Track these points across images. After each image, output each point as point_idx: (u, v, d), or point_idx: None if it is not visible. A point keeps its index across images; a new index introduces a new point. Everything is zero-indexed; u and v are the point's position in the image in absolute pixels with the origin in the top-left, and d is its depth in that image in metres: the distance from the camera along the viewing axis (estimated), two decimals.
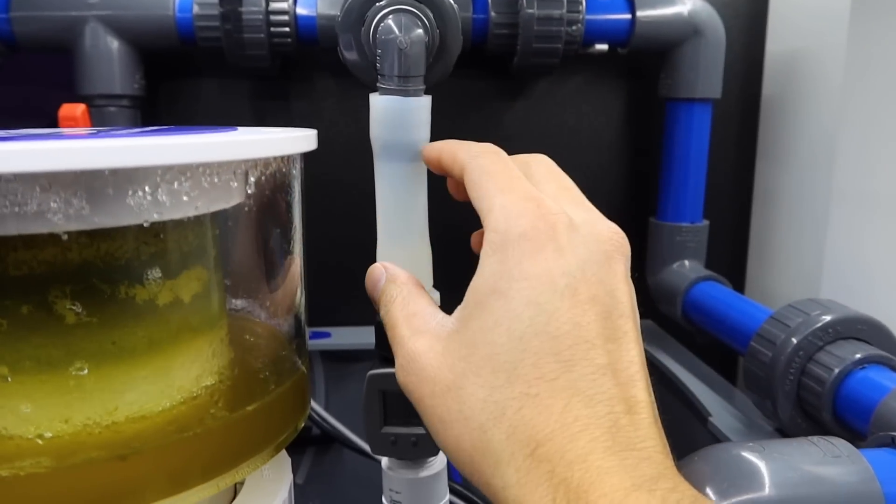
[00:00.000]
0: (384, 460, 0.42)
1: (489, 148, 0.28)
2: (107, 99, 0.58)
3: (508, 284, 0.22)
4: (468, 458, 0.23)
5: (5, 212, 0.20)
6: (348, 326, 0.69)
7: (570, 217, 0.24)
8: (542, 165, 0.28)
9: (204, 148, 0.21)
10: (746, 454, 0.31)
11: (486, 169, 0.26)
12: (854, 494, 0.30)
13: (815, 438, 0.32)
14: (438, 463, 0.42)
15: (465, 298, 0.24)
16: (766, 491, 0.29)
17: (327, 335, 0.67)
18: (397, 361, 0.26)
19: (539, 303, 0.22)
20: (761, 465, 0.30)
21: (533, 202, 0.24)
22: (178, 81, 0.65)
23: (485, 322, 0.22)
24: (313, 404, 0.59)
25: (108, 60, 0.57)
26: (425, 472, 0.41)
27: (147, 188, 0.22)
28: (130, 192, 0.21)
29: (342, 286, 0.67)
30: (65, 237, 0.21)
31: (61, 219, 0.20)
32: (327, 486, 0.70)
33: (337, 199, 0.67)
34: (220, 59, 0.58)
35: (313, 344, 0.67)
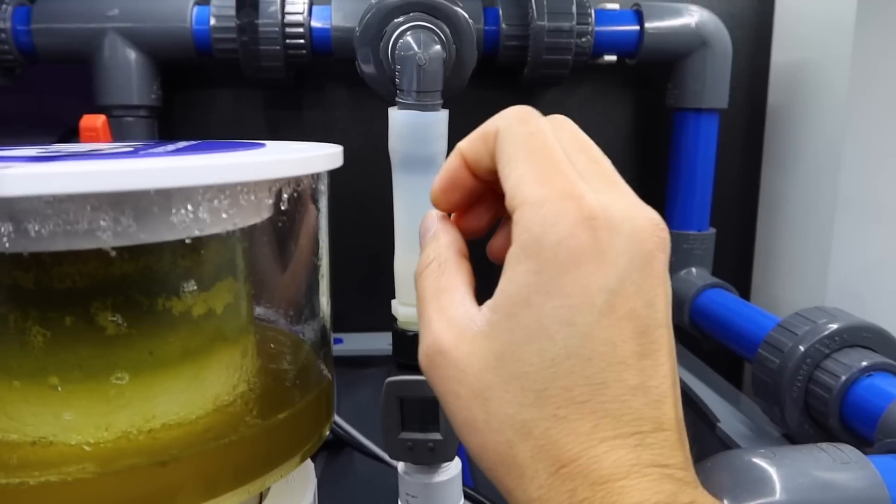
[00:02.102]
0: (400, 465, 0.43)
1: (523, 114, 0.25)
2: (125, 109, 0.59)
3: (543, 300, 0.21)
4: (492, 465, 0.23)
5: (57, 230, 0.21)
6: (360, 332, 0.70)
7: (609, 214, 0.22)
8: (565, 132, 0.25)
9: (245, 168, 0.22)
10: (758, 460, 0.32)
11: (521, 143, 0.23)
12: (863, 500, 0.31)
13: (824, 445, 0.33)
14: (453, 468, 0.43)
15: (495, 301, 0.23)
16: (778, 496, 0.30)
17: (339, 341, 0.68)
18: (422, 342, 0.24)
19: (575, 323, 0.21)
20: (772, 471, 0.31)
21: (573, 201, 0.21)
22: (194, 92, 0.66)
23: (515, 336, 0.22)
24: None
25: (127, 71, 0.58)
26: (440, 477, 0.42)
27: (189, 206, 0.23)
28: (174, 210, 0.22)
29: (354, 293, 0.68)
30: (113, 253, 0.22)
31: (109, 236, 0.21)
32: (339, 490, 0.71)
33: (349, 207, 0.68)
34: (235, 69, 0.59)
35: None
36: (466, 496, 0.53)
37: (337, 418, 0.61)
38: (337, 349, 0.69)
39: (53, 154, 0.25)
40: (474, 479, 0.66)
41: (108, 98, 0.58)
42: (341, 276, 0.70)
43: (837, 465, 0.31)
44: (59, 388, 0.24)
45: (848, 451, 0.32)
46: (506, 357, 0.22)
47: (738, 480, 0.31)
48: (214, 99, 0.66)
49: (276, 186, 0.26)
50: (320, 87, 0.66)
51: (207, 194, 0.23)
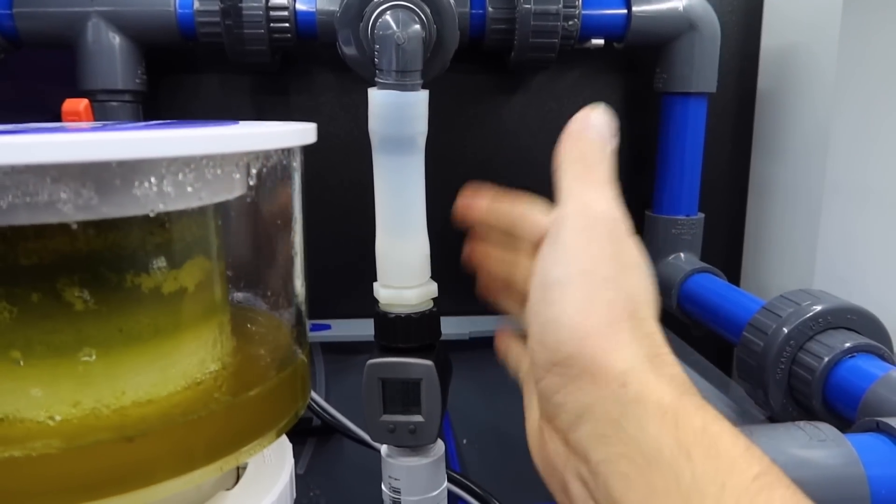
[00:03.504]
0: (383, 448, 0.43)
1: None
2: (109, 94, 0.58)
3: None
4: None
5: (17, 202, 0.21)
6: (348, 319, 0.70)
7: None
8: None
9: (208, 140, 0.22)
10: None
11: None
12: (838, 477, 0.31)
13: (801, 423, 0.33)
14: (436, 451, 0.43)
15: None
16: None
17: (328, 327, 0.68)
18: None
19: None
20: None
21: None
22: (180, 76, 0.65)
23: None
24: (314, 395, 0.60)
25: (110, 56, 0.58)
26: (423, 460, 0.42)
27: (153, 179, 0.22)
28: (137, 183, 0.22)
29: (343, 279, 0.68)
30: (74, 227, 0.22)
31: (70, 209, 0.21)
32: (328, 476, 0.71)
33: (337, 192, 0.68)
34: (220, 54, 0.59)
35: (314, 336, 0.68)
36: (453, 481, 0.53)
37: (325, 404, 0.61)
38: (325, 335, 0.68)
39: (19, 129, 0.25)
40: (462, 463, 0.66)
41: (92, 83, 0.58)
42: (329, 262, 0.70)
43: (814, 442, 0.31)
44: (27, 365, 0.24)
45: (825, 429, 0.32)
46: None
47: None
48: (200, 84, 0.66)
49: (244, 161, 0.26)
50: (307, 71, 0.66)
51: (171, 167, 0.23)
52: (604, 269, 0.25)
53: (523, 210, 0.32)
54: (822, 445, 0.31)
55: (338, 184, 0.67)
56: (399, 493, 0.42)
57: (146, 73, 0.60)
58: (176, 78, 0.65)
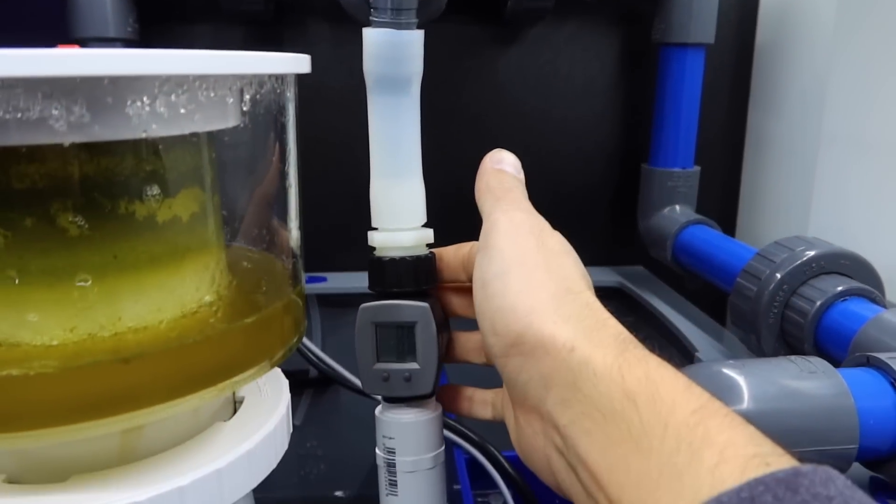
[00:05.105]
0: (378, 408, 0.42)
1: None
2: (100, 42, 0.58)
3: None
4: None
5: (8, 118, 0.21)
6: (344, 272, 0.70)
7: None
8: None
9: (200, 60, 0.22)
10: (726, 370, 0.32)
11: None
12: (829, 408, 0.31)
13: (793, 357, 0.33)
14: (433, 408, 0.41)
15: None
16: (745, 404, 0.31)
17: (324, 279, 0.69)
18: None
19: None
20: (740, 380, 0.31)
21: None
22: (172, 26, 0.65)
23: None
24: (310, 344, 0.60)
25: (101, 3, 0.57)
26: (420, 416, 0.40)
27: (145, 98, 0.22)
28: (129, 102, 0.22)
29: (338, 232, 0.68)
30: (66, 145, 0.22)
31: (63, 126, 0.21)
32: (325, 427, 0.72)
33: (332, 145, 0.67)
34: (213, 2, 0.58)
35: (310, 288, 0.68)
36: (448, 427, 0.53)
37: (321, 353, 0.62)
38: (321, 287, 0.69)
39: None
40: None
41: (83, 30, 0.57)
42: (325, 214, 0.70)
43: (805, 374, 0.32)
44: (23, 290, 0.24)
45: (816, 362, 0.33)
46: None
47: (705, 389, 0.31)
48: (193, 34, 0.65)
49: (237, 86, 0.26)
50: (301, 21, 0.65)
51: (164, 87, 0.22)
52: (533, 258, 0.29)
53: (468, 248, 0.36)
54: (812, 377, 0.32)
55: (333, 136, 0.67)
56: (393, 453, 0.40)
57: (138, 22, 0.60)
58: (168, 27, 0.65)
